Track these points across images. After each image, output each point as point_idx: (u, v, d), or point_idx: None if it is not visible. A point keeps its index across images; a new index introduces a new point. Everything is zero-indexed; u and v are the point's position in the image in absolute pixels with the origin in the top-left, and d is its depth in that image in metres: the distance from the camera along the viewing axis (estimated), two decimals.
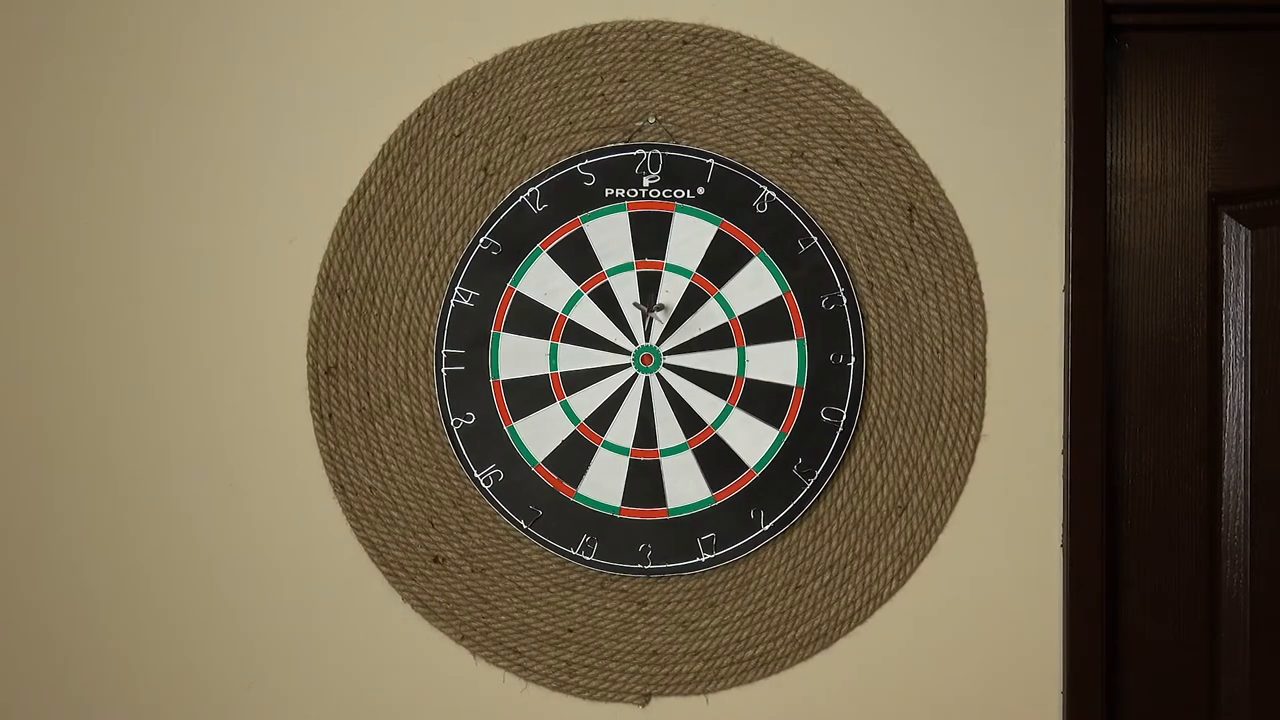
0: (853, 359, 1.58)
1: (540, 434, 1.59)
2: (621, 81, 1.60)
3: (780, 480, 1.58)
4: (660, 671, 1.59)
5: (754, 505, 1.58)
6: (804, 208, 1.59)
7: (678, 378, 1.59)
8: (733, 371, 1.59)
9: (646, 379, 1.59)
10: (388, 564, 1.60)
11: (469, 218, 1.61)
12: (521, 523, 1.59)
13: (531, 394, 1.60)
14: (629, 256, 1.59)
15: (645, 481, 1.59)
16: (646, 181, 1.59)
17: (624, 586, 1.60)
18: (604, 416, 1.59)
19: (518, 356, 1.60)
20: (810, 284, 1.58)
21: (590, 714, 1.60)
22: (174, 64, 1.63)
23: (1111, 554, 1.60)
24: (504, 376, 1.60)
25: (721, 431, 1.59)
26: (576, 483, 1.59)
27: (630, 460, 1.59)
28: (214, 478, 1.61)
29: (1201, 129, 1.62)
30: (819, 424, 1.58)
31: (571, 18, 1.61)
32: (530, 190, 1.60)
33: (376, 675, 1.61)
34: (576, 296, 1.60)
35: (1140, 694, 1.62)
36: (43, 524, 1.63)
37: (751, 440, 1.58)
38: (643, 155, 1.59)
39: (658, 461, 1.59)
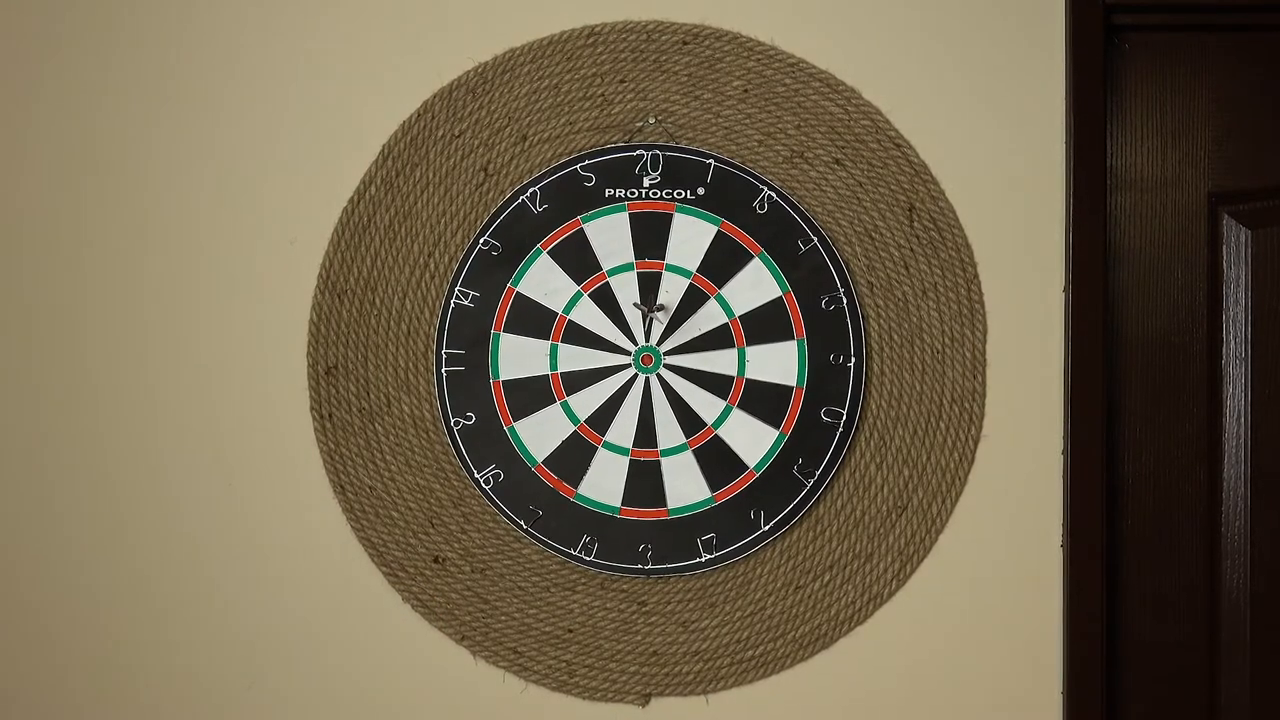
0: (853, 359, 1.58)
1: (540, 434, 1.59)
2: (621, 82, 1.60)
3: (780, 480, 1.58)
4: (660, 671, 1.59)
5: (754, 505, 1.58)
6: (804, 208, 1.59)
7: (678, 378, 1.59)
8: (733, 372, 1.59)
9: (646, 379, 1.59)
10: (388, 564, 1.60)
11: (469, 218, 1.61)
12: (521, 523, 1.59)
13: (531, 394, 1.60)
14: (629, 257, 1.59)
15: (645, 482, 1.59)
16: (646, 182, 1.59)
17: (624, 586, 1.60)
18: (604, 417, 1.59)
19: (518, 357, 1.60)
20: (810, 284, 1.58)
21: (590, 714, 1.60)
22: (174, 64, 1.63)
23: (1111, 554, 1.60)
24: (504, 377, 1.60)
25: (721, 432, 1.59)
26: (576, 483, 1.59)
27: (630, 460, 1.59)
28: (214, 478, 1.61)
29: (1201, 129, 1.62)
30: (819, 424, 1.58)
31: (571, 18, 1.61)
32: (530, 190, 1.60)
33: (376, 675, 1.61)
34: (576, 297, 1.60)
35: (1140, 694, 1.62)
36: (42, 524, 1.62)
37: (751, 440, 1.58)
38: (643, 155, 1.59)
39: (658, 462, 1.59)
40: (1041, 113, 1.58)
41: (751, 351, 1.59)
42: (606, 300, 1.60)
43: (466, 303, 1.60)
